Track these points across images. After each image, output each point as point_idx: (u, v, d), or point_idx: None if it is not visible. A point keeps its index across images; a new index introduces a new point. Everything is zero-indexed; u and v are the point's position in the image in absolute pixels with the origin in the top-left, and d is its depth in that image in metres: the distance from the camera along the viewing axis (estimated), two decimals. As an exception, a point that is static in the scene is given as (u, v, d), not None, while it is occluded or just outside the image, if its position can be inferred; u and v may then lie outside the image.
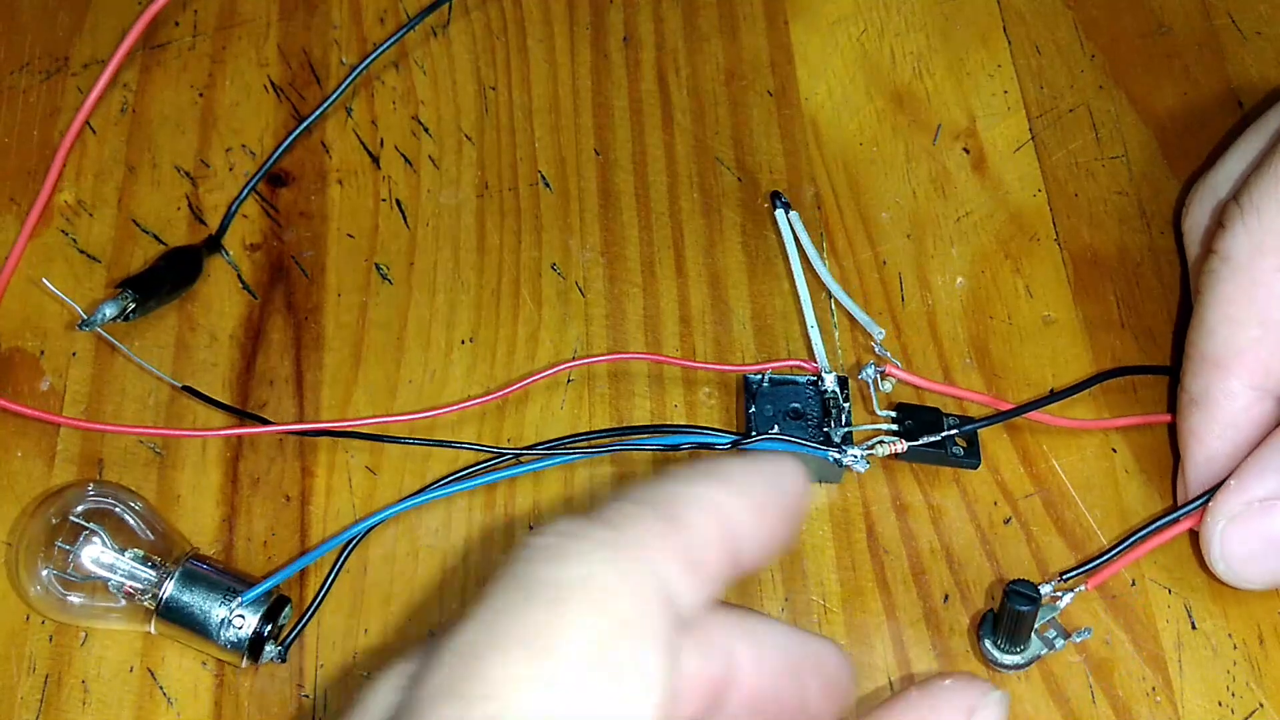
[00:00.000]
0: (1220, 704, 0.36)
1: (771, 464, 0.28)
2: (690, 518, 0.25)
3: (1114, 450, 0.40)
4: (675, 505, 0.25)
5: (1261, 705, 0.36)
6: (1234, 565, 0.35)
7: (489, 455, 0.39)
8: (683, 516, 0.25)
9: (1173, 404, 0.40)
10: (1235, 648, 0.37)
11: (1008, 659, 0.36)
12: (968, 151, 0.46)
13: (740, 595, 0.37)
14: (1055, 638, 0.36)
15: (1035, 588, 0.35)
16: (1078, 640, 0.36)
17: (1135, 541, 0.37)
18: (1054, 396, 0.40)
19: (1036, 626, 0.36)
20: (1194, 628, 0.37)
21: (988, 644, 0.36)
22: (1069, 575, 0.37)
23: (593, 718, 0.22)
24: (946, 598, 0.38)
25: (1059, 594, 0.36)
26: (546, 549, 0.24)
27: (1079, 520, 0.39)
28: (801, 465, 0.28)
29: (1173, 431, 0.40)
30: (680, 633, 0.24)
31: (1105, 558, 0.37)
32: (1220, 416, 0.36)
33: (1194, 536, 0.37)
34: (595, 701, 0.22)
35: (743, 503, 0.26)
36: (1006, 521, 0.39)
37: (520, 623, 0.23)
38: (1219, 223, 0.37)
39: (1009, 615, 0.35)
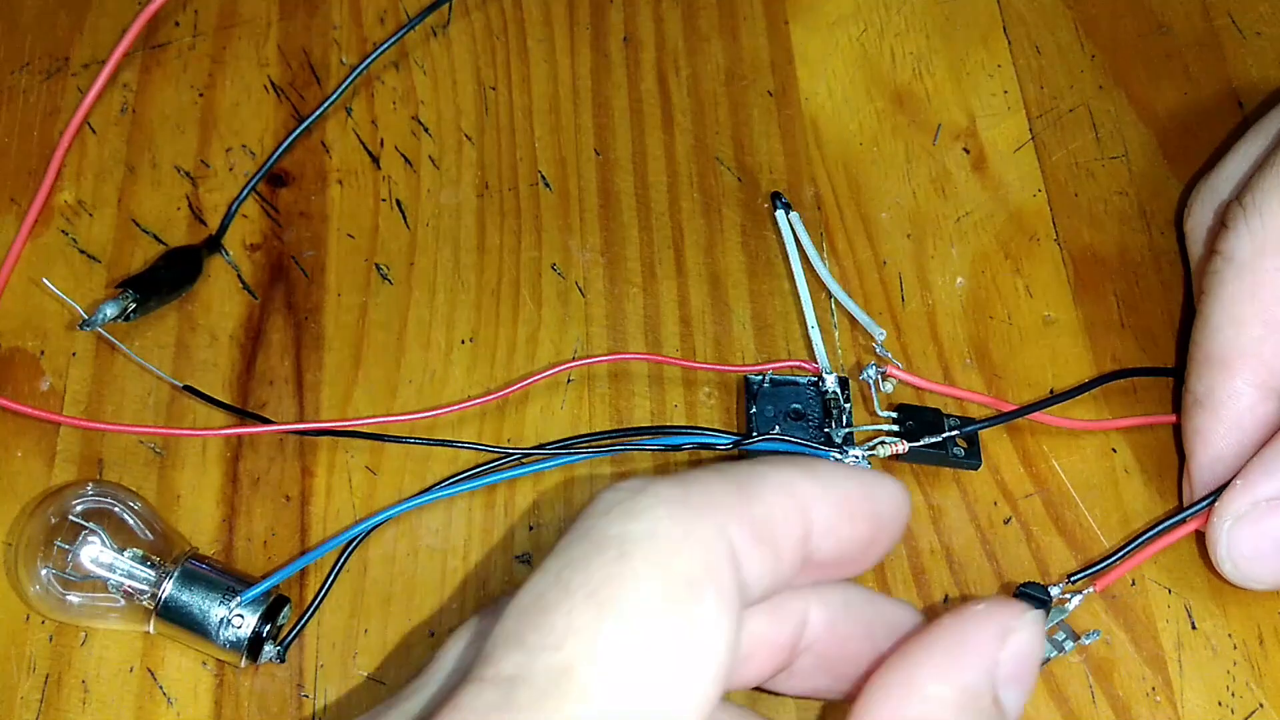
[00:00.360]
0: (1220, 704, 0.36)
1: (871, 474, 0.28)
2: (763, 493, 0.25)
3: (1114, 450, 0.40)
4: (750, 479, 0.26)
5: (1261, 705, 0.36)
6: (1240, 565, 0.35)
7: (490, 455, 0.39)
8: (755, 490, 0.25)
9: (1175, 405, 0.40)
10: (1235, 648, 0.37)
11: None
12: (968, 151, 0.46)
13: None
14: (1064, 640, 0.36)
15: (1046, 590, 0.35)
16: (1087, 642, 0.36)
17: (1142, 543, 0.37)
18: (1056, 398, 0.40)
19: (1046, 629, 0.36)
20: (1194, 628, 0.37)
21: None
22: (1077, 577, 0.37)
23: (653, 670, 0.22)
24: (946, 598, 0.38)
25: (1067, 596, 0.36)
26: (616, 504, 0.24)
27: (1079, 521, 0.39)
28: (905, 487, 0.28)
29: (1175, 432, 0.40)
30: (745, 595, 0.25)
31: (1112, 560, 0.37)
32: (1225, 417, 0.36)
33: (1200, 538, 0.37)
34: (656, 654, 0.23)
35: (823, 494, 0.26)
36: (1006, 522, 0.39)
37: (586, 575, 0.23)
38: (1222, 223, 0.37)
39: None
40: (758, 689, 0.31)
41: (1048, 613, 0.35)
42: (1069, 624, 0.36)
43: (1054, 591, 0.36)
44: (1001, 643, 0.26)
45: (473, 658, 0.24)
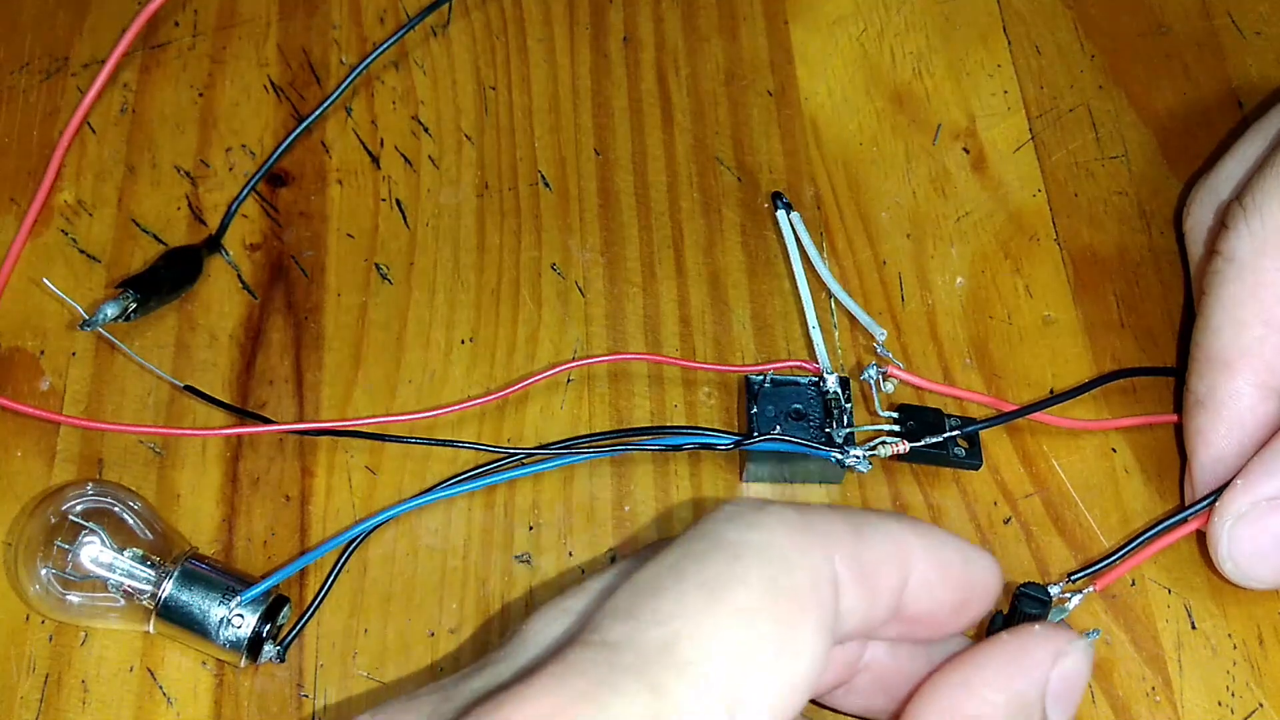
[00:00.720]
0: (1220, 704, 0.36)
1: (971, 547, 0.29)
2: (873, 538, 0.27)
3: (1114, 450, 0.40)
4: (863, 523, 0.27)
5: (1261, 705, 0.36)
6: (1241, 564, 0.35)
7: (490, 455, 0.39)
8: (867, 534, 0.27)
9: (1176, 405, 0.40)
10: (1235, 648, 0.37)
11: None
12: (967, 151, 0.46)
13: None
14: None
15: (1046, 591, 0.35)
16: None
17: (1143, 543, 0.37)
18: (1056, 398, 0.40)
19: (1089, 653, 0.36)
20: (1194, 628, 0.37)
21: None
22: (1077, 576, 0.37)
23: (749, 664, 0.24)
24: (946, 598, 0.38)
25: (1067, 595, 0.36)
26: (738, 514, 0.26)
27: (1079, 520, 0.39)
28: (997, 562, 0.30)
29: (1175, 432, 0.40)
30: (839, 626, 0.26)
31: (1113, 559, 0.37)
32: (1226, 416, 0.36)
33: (1200, 537, 0.37)
34: (753, 651, 0.24)
35: (925, 553, 0.28)
36: (1006, 522, 0.39)
37: (700, 567, 0.25)
38: (1222, 223, 0.37)
39: (1019, 619, 0.35)
40: (813, 702, 0.32)
41: (1048, 614, 0.35)
42: (1069, 624, 0.36)
43: (1054, 591, 0.36)
44: (1054, 662, 0.28)
45: (565, 632, 0.27)
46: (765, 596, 0.25)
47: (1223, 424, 0.36)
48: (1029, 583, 0.35)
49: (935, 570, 0.28)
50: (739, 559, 0.25)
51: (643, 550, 0.30)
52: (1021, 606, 0.35)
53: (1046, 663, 0.28)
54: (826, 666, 0.26)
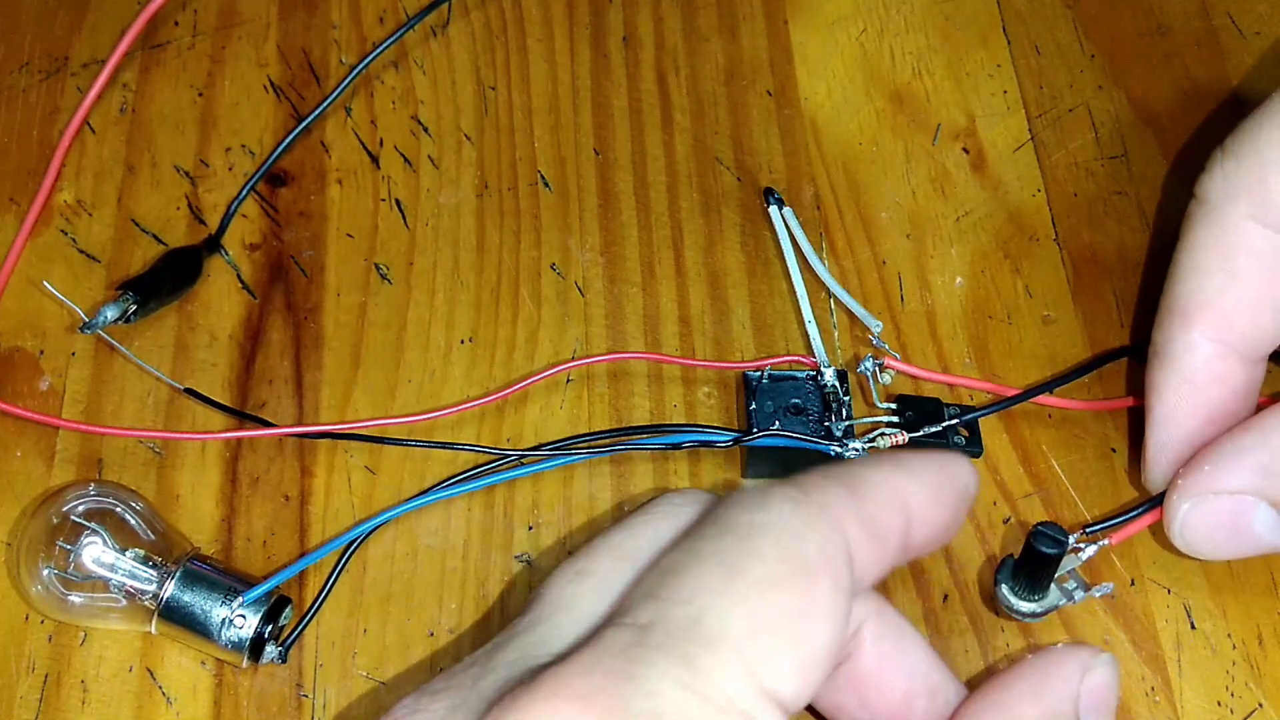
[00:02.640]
0: (1219, 704, 0.36)
1: (947, 457, 0.31)
2: (869, 492, 0.29)
3: (1114, 450, 0.40)
4: (856, 480, 0.29)
5: (1260, 705, 0.36)
6: (1191, 542, 0.35)
7: (489, 456, 0.39)
8: (862, 490, 0.29)
9: None
10: (1234, 648, 0.37)
11: (1025, 606, 0.35)
12: (967, 151, 0.46)
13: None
14: (1075, 589, 0.35)
15: (1064, 530, 0.34)
16: (1098, 595, 0.35)
17: (1159, 502, 0.36)
18: (1057, 380, 0.40)
19: (1057, 576, 0.35)
20: (1193, 628, 0.37)
21: (1005, 589, 0.35)
22: (1093, 529, 0.36)
23: (772, 632, 0.26)
24: (946, 597, 0.38)
25: (1081, 545, 0.36)
26: (747, 498, 0.28)
27: (1079, 520, 0.39)
28: (970, 462, 0.32)
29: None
30: (857, 585, 0.28)
31: (1132, 515, 0.36)
32: (1179, 369, 0.35)
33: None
34: (775, 619, 0.26)
35: (919, 489, 0.30)
36: (1006, 521, 0.39)
37: (717, 549, 0.27)
38: (1203, 166, 0.36)
39: (1032, 558, 0.34)
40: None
41: (1063, 555, 0.34)
42: (1080, 572, 0.35)
43: (1069, 540, 0.35)
44: (1082, 676, 0.30)
45: (584, 595, 0.29)
46: (780, 567, 0.26)
47: (1175, 376, 0.35)
48: (1046, 521, 0.34)
49: (930, 500, 0.30)
50: (751, 537, 0.27)
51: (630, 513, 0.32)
52: (1036, 545, 0.34)
53: (1075, 677, 0.30)
54: (848, 629, 0.28)
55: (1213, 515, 0.34)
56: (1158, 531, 0.37)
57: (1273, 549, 0.34)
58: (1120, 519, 0.37)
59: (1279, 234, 0.34)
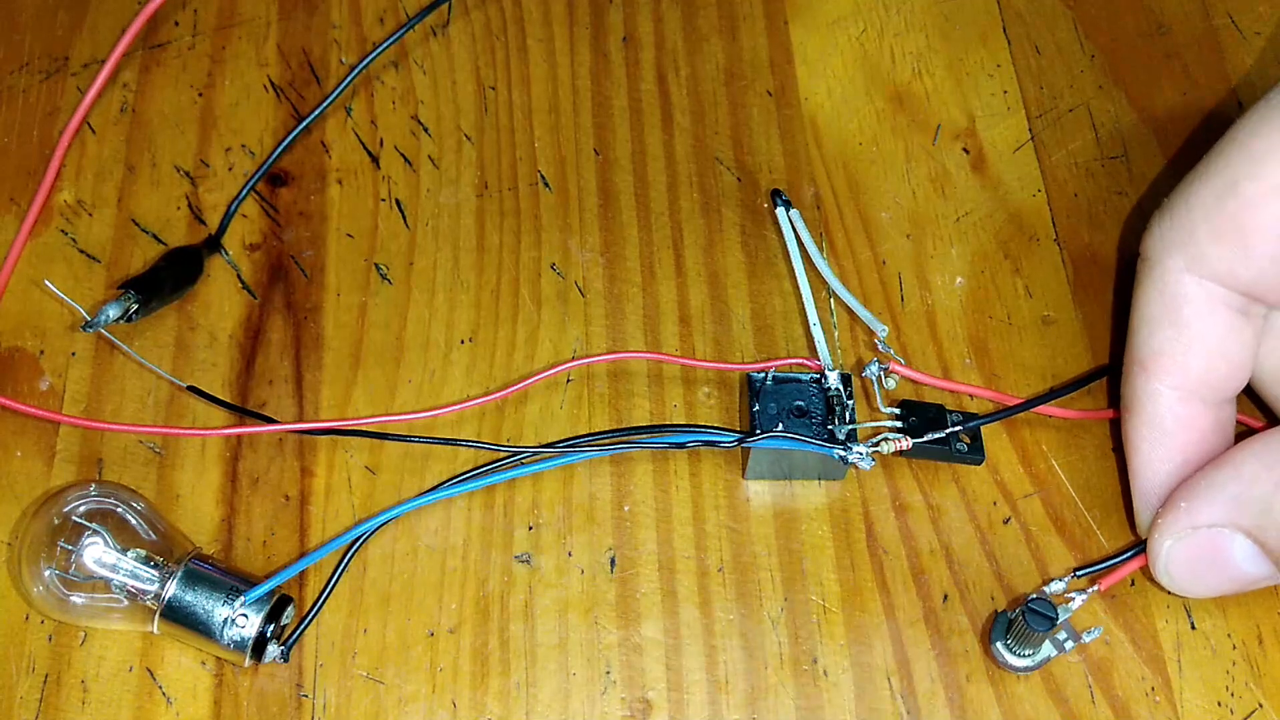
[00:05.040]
0: (1219, 704, 0.36)
1: None
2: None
3: (1114, 450, 0.40)
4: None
5: (1260, 705, 0.36)
6: (1177, 580, 0.36)
7: (490, 455, 0.39)
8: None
9: None
10: (1234, 648, 0.37)
11: (1019, 662, 0.36)
12: (967, 151, 0.46)
13: (738, 595, 0.37)
14: (1066, 640, 0.36)
15: (1054, 608, 0.35)
16: (1088, 640, 0.36)
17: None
18: (1058, 391, 0.40)
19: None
20: (1193, 628, 0.37)
21: (999, 646, 0.36)
22: (1084, 571, 0.37)
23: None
24: (946, 598, 0.38)
25: (1070, 595, 0.36)
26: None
27: (1078, 520, 0.39)
28: None
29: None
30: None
31: (1120, 559, 0.37)
32: (1147, 419, 0.36)
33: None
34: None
35: None
36: (1006, 521, 0.39)
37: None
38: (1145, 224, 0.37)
39: (1025, 629, 0.35)
40: None
41: (1053, 629, 0.35)
42: (1071, 624, 0.36)
43: (1059, 586, 0.36)
44: None
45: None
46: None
47: (1144, 426, 0.36)
48: (1037, 599, 0.35)
49: None
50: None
51: None
52: (1029, 623, 0.35)
53: None
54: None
55: (1193, 550, 0.35)
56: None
57: (1257, 580, 0.35)
58: (1108, 562, 0.37)
59: (1215, 284, 0.35)
